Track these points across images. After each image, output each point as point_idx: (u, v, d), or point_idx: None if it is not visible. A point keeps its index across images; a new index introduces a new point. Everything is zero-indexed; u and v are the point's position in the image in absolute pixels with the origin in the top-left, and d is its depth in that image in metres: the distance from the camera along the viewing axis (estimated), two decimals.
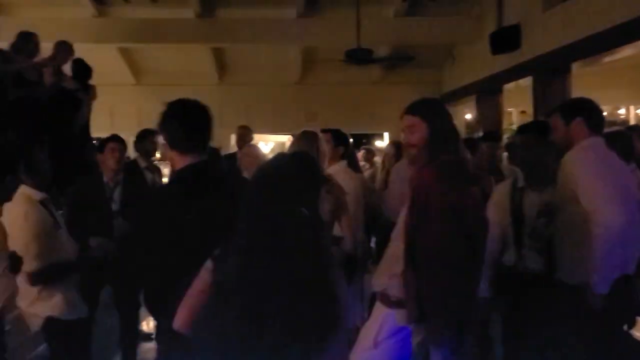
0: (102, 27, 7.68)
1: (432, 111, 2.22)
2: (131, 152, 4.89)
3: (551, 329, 2.48)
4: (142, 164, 4.55)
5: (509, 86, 7.94)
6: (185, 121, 1.91)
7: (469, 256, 2.04)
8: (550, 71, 6.37)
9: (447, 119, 2.24)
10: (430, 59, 9.29)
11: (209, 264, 1.53)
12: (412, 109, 2.22)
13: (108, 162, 3.72)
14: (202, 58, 8.84)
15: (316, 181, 1.47)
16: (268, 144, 10.53)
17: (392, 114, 2.37)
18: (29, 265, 2.62)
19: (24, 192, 2.76)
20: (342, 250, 3.04)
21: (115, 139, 3.81)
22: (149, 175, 4.53)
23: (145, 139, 4.62)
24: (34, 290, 2.69)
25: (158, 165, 4.95)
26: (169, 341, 1.84)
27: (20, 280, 2.65)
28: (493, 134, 4.91)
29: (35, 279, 2.65)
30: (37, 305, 2.71)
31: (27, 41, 4.93)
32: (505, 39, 6.87)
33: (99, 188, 3.72)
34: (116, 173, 3.76)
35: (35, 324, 2.73)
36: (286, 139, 9.58)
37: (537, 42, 6.44)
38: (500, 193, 2.88)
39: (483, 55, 7.56)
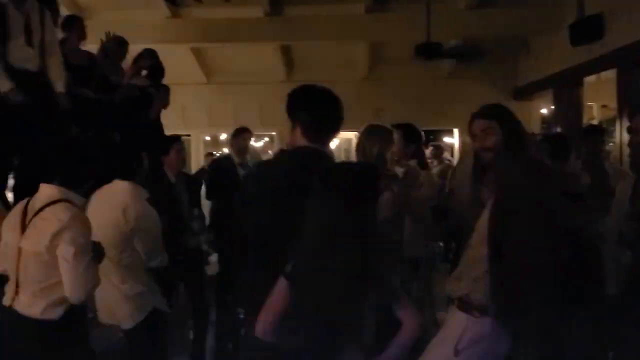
0: (176, 28, 7.92)
1: (505, 114, 2.25)
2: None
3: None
4: (236, 160, 4.73)
5: (589, 79, 7.50)
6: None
7: (561, 256, 2.02)
8: (637, 62, 5.95)
9: (518, 121, 2.28)
10: (503, 51, 8.92)
11: (283, 281, 1.65)
12: (485, 113, 2.24)
13: (173, 162, 3.87)
14: (269, 56, 8.93)
15: (375, 192, 1.63)
16: (334, 140, 10.57)
17: (462, 109, 2.31)
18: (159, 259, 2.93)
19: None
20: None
21: (180, 139, 3.99)
22: (241, 172, 4.68)
23: (238, 136, 4.80)
24: (141, 283, 2.83)
25: (250, 162, 5.09)
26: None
27: (128, 273, 2.80)
28: (596, 127, 4.58)
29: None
30: (146, 297, 2.86)
31: (119, 47, 5.13)
32: (587, 28, 6.47)
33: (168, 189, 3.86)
34: (179, 173, 3.92)
35: (139, 316, 2.85)
36: (352, 136, 9.53)
37: (623, 32, 6.01)
38: (622, 194, 2.81)
39: (561, 47, 7.16)
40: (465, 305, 2.13)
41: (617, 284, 2.79)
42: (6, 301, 2.36)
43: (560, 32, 7.14)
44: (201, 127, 9.47)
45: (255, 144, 12.40)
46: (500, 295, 2.01)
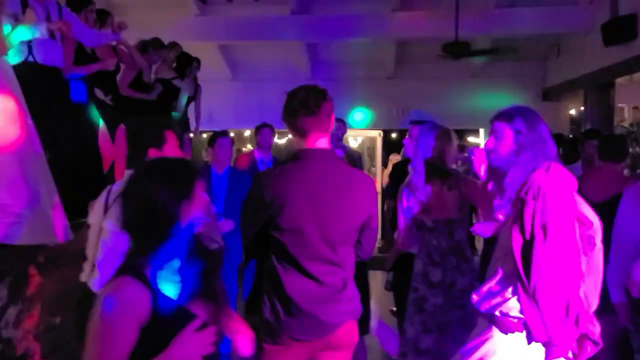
0: (205, 25, 8.00)
1: (523, 117, 2.07)
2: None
3: None
4: (258, 155, 4.87)
5: (620, 80, 7.33)
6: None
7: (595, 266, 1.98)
8: None
9: (541, 122, 2.08)
10: (533, 51, 8.78)
11: None
12: (500, 115, 2.10)
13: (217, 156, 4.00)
14: (295, 54, 8.95)
15: None
16: (357, 138, 10.49)
17: (488, 109, 2.25)
18: None
19: None
20: None
21: (225, 135, 4.11)
22: (262, 168, 4.78)
23: (260, 132, 4.93)
24: None
25: (275, 157, 5.19)
26: None
27: None
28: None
29: None
30: None
31: (157, 48, 5.23)
32: (620, 29, 6.33)
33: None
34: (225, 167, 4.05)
35: None
36: (377, 134, 9.47)
37: None
38: None
39: (593, 47, 7.01)
40: (500, 321, 1.96)
41: None
42: (82, 277, 2.44)
43: (592, 32, 7.00)
44: (227, 123, 9.54)
45: (279, 141, 12.43)
46: (532, 308, 1.88)
